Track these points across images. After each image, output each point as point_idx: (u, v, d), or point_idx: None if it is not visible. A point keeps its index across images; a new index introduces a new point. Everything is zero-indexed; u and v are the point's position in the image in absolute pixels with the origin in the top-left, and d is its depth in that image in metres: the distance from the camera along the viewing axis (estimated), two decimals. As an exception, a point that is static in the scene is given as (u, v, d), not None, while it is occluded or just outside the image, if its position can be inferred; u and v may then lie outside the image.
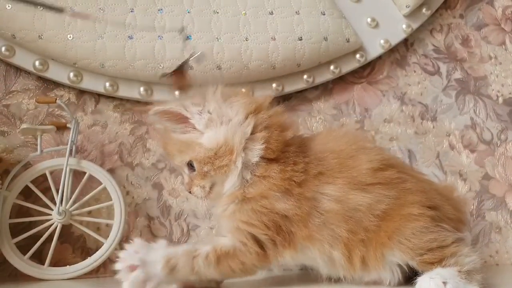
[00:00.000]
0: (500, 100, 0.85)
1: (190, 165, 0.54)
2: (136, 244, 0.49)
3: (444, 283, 0.48)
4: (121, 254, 0.49)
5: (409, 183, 0.54)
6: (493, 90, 0.85)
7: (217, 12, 0.75)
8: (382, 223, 0.52)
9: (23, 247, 0.66)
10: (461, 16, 0.87)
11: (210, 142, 0.52)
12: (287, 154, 0.53)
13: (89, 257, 0.68)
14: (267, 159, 0.52)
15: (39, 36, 0.69)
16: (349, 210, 0.51)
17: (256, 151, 0.52)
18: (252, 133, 0.52)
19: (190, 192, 0.56)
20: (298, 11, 0.77)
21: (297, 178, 0.52)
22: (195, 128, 0.53)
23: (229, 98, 0.54)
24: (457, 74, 0.85)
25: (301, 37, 0.76)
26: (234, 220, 0.52)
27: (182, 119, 0.53)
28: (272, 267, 0.59)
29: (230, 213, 0.53)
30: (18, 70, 0.74)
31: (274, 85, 0.78)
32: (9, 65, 0.73)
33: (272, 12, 0.76)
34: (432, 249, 0.51)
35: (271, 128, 0.53)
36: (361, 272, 0.53)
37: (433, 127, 0.83)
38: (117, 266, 0.48)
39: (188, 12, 0.74)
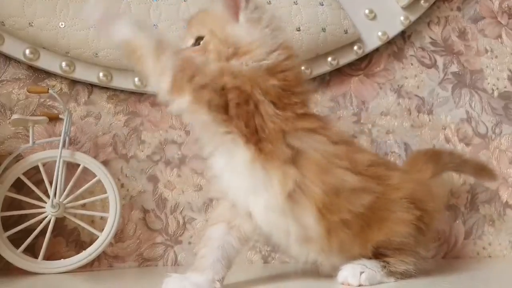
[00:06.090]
0: (496, 93, 0.85)
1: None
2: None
3: (361, 272, 0.49)
4: None
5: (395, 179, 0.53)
6: (488, 83, 0.85)
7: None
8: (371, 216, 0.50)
9: (15, 241, 0.65)
10: (458, 9, 0.87)
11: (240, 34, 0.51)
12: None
13: (83, 251, 0.67)
14: None
15: (29, 23, 0.67)
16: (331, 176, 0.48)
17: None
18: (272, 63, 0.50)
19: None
20: (296, 1, 0.76)
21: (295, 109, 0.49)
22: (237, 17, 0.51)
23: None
24: (454, 67, 0.85)
25: (299, 28, 0.75)
26: None
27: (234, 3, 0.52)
28: None
29: None
30: (8, 58, 0.72)
31: (271, 76, 0.77)
32: (-2, 54, 0.71)
33: (270, 1, 0.75)
34: (394, 248, 0.52)
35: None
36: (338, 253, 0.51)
37: (429, 120, 0.83)
38: None
39: (184, 1, 0.72)
